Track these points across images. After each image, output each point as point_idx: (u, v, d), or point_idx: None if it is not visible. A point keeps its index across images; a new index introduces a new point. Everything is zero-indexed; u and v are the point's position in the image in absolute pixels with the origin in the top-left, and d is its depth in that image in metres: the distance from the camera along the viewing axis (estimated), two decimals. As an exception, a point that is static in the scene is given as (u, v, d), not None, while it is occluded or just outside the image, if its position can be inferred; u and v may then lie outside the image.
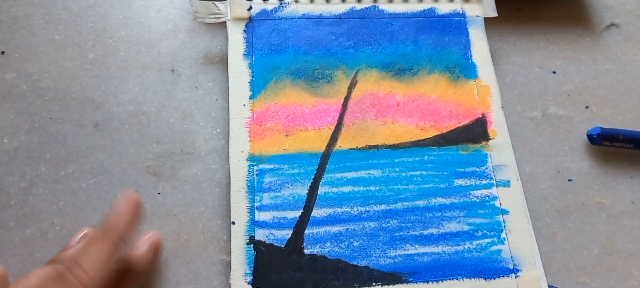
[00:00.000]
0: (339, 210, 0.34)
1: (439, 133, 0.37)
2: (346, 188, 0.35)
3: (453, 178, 0.36)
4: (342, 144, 0.36)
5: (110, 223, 0.29)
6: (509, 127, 0.38)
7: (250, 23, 0.38)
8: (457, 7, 0.41)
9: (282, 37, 0.38)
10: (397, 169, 0.36)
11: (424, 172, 0.36)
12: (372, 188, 0.35)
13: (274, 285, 0.32)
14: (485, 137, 0.37)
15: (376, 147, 0.36)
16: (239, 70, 0.37)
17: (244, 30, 0.38)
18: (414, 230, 0.34)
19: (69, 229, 0.34)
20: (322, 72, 0.38)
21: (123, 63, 0.39)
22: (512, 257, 0.34)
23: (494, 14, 0.42)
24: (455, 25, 0.41)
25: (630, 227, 0.37)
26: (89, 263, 0.27)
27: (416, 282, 0.33)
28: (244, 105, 0.36)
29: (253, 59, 0.37)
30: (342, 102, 0.37)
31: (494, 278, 0.33)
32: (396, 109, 0.37)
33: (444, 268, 0.33)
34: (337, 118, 0.37)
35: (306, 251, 0.33)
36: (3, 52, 0.38)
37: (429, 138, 0.37)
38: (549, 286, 0.34)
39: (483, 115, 0.38)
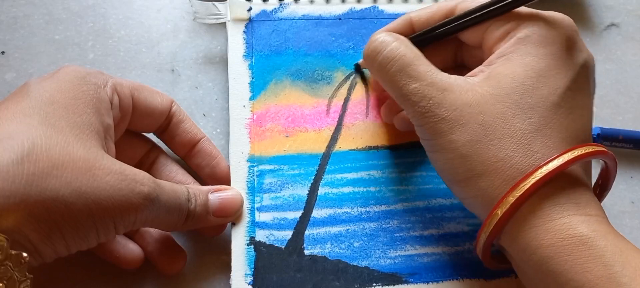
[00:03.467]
0: (339, 210, 0.34)
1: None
2: (346, 189, 0.35)
3: (453, 179, 0.36)
4: (342, 145, 0.36)
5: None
6: (509, 127, 0.38)
7: (250, 24, 0.38)
8: (457, 7, 0.41)
9: (282, 38, 0.38)
10: (397, 170, 0.36)
11: (424, 173, 0.36)
12: (372, 189, 0.35)
13: (275, 286, 0.32)
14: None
15: (376, 147, 0.36)
16: (239, 71, 0.37)
17: (244, 31, 0.38)
18: (414, 231, 0.34)
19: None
20: (322, 74, 0.38)
21: (123, 63, 0.39)
22: (512, 257, 0.34)
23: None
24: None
25: (630, 227, 0.37)
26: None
27: (416, 283, 0.33)
28: (244, 106, 0.36)
29: (253, 60, 0.37)
30: (341, 103, 0.37)
31: (494, 279, 0.33)
32: (396, 109, 0.37)
33: (444, 268, 0.33)
34: (337, 119, 0.37)
35: (306, 252, 0.33)
36: (3, 52, 0.38)
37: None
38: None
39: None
